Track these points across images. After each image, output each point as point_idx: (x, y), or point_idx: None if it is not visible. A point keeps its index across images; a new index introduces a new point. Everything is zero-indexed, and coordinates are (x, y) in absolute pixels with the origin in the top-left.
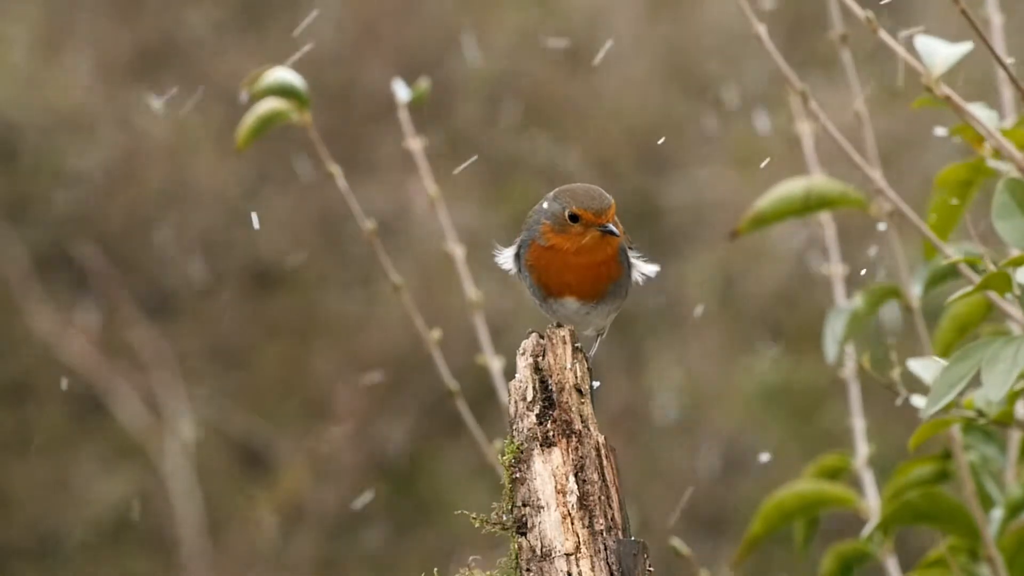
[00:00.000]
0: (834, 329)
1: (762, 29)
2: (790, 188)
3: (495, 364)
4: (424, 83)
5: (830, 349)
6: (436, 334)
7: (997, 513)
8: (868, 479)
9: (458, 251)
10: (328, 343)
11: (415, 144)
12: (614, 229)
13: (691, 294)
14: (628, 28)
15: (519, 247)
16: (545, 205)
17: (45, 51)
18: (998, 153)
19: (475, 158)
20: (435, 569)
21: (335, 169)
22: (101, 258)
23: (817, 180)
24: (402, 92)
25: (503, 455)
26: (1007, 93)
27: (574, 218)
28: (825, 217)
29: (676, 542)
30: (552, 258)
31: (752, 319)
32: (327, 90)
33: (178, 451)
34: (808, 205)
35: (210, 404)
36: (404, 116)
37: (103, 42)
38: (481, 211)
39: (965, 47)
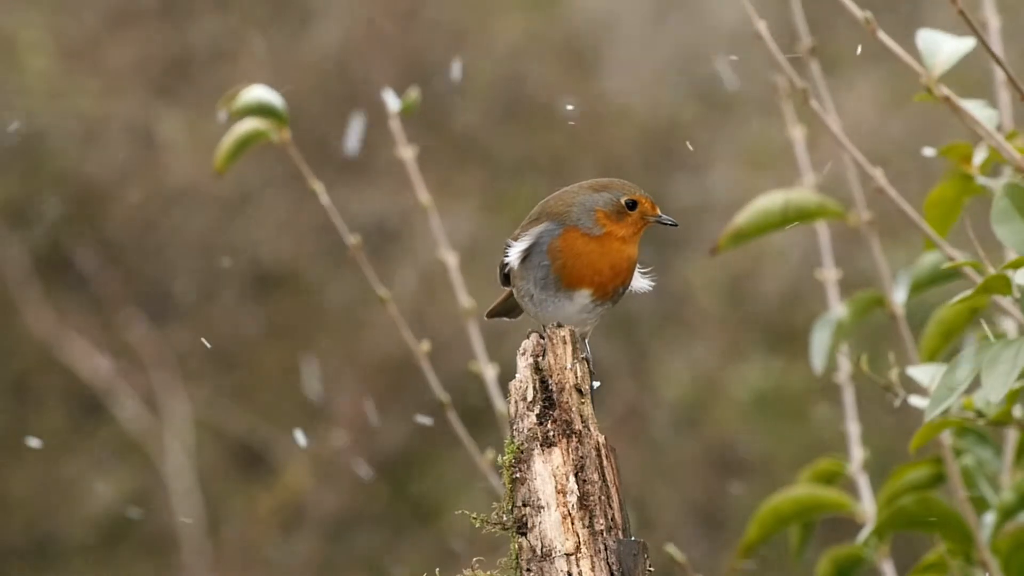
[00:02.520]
0: (820, 339)
1: (762, 26)
2: (769, 202)
3: (489, 373)
4: (414, 93)
5: (817, 359)
6: (425, 346)
7: (989, 517)
8: (863, 483)
9: (451, 259)
10: (328, 345)
11: (407, 153)
12: (672, 220)
13: (696, 295)
14: (635, 29)
15: (538, 237)
16: (582, 197)
17: (57, 58)
18: (986, 168)
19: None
20: (436, 570)
21: (318, 186)
22: (101, 259)
23: (795, 193)
24: (392, 102)
25: (503, 455)
26: (1004, 97)
27: (632, 205)
28: (821, 226)
29: (671, 549)
30: (586, 247)
31: (756, 321)
32: (333, 93)
33: (178, 451)
34: (787, 218)
35: (210, 405)
36: (396, 126)
37: (107, 47)
38: (484, 215)
39: (967, 43)
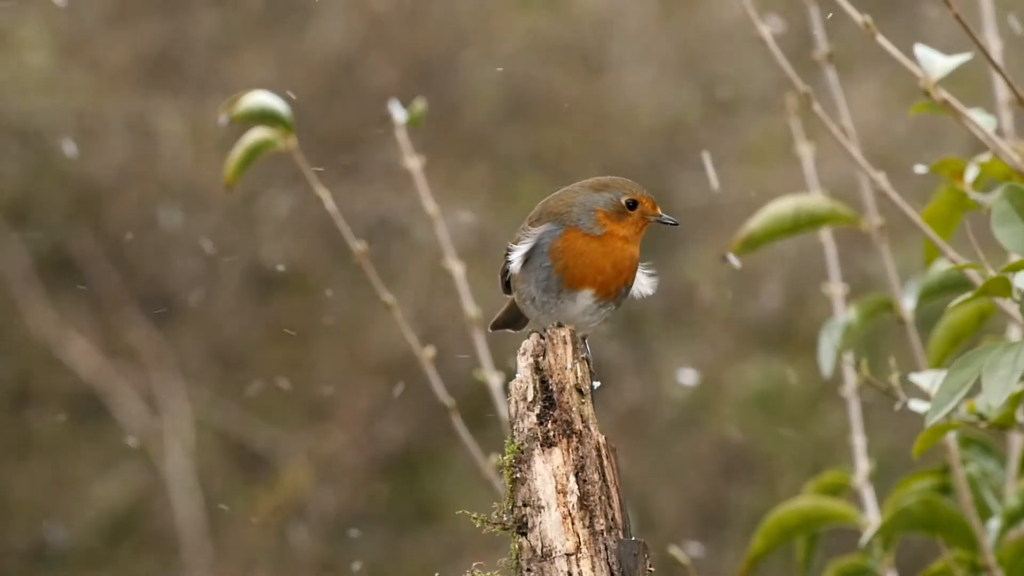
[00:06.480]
0: (828, 342)
1: (766, 31)
2: (780, 208)
3: (494, 380)
4: (420, 105)
5: (825, 362)
6: (430, 352)
7: (994, 523)
8: (868, 495)
9: (457, 269)
10: (330, 345)
11: (413, 163)
12: (672, 219)
13: (701, 295)
14: (640, 29)
15: (539, 239)
16: (582, 197)
17: (55, 55)
18: (979, 184)
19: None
20: (436, 575)
21: (324, 193)
22: (102, 259)
23: (806, 199)
24: (399, 113)
25: (503, 455)
26: (1003, 100)
27: (632, 205)
28: (825, 236)
29: (675, 550)
30: (587, 247)
31: (759, 321)
32: (338, 90)
33: (178, 452)
34: (798, 224)
35: (211, 405)
36: (402, 136)
37: (112, 46)
38: (491, 211)
39: (963, 57)
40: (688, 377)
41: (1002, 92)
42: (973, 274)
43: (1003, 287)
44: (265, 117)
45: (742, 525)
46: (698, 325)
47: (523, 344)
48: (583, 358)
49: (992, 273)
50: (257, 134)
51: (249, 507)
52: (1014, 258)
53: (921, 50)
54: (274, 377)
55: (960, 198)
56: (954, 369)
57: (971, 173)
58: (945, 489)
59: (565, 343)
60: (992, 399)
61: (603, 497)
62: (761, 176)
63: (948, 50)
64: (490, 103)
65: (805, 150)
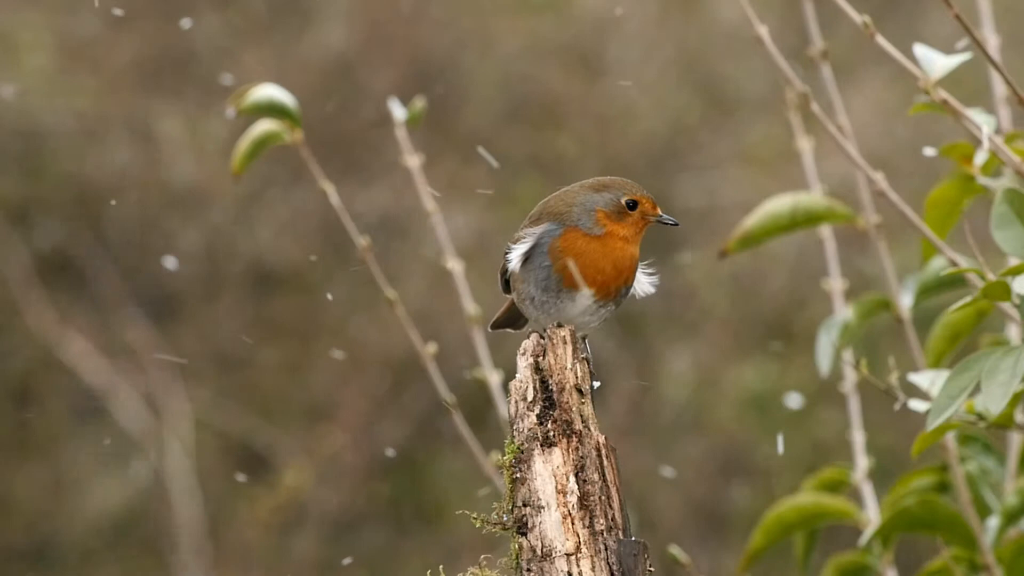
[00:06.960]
0: (826, 342)
1: (763, 31)
2: (777, 205)
3: (494, 378)
4: (419, 103)
5: (823, 361)
6: (432, 348)
7: (993, 521)
8: (868, 492)
9: (456, 267)
10: (330, 345)
11: (412, 162)
12: (672, 219)
13: (701, 295)
14: (640, 30)
15: (539, 238)
16: (582, 197)
17: (57, 57)
18: (988, 168)
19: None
20: (440, 567)
21: (329, 188)
22: (102, 259)
23: (804, 196)
24: (398, 112)
25: (504, 455)
26: (999, 90)
27: (632, 205)
28: (825, 232)
29: (675, 549)
30: (587, 246)
31: (760, 320)
32: (340, 91)
33: (178, 452)
34: (795, 222)
35: (211, 406)
36: (401, 134)
37: (113, 47)
38: (490, 211)
39: (962, 56)
40: (794, 401)
41: (1000, 88)
42: (973, 276)
43: (1002, 291)
44: (273, 110)
45: (741, 525)
46: (698, 325)
47: (523, 344)
48: (583, 358)
49: (991, 276)
50: (264, 126)
51: (249, 507)
52: (1013, 262)
53: (920, 50)
54: (274, 377)
55: (968, 182)
56: (954, 374)
57: (980, 157)
58: (944, 487)
59: (565, 343)
60: (992, 405)
61: (603, 497)
62: (760, 177)
63: (946, 51)
64: (490, 104)
65: (805, 145)
